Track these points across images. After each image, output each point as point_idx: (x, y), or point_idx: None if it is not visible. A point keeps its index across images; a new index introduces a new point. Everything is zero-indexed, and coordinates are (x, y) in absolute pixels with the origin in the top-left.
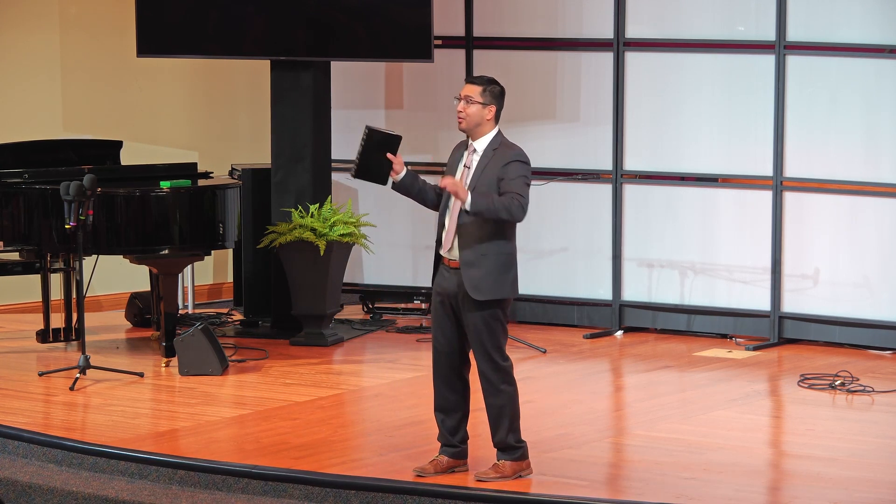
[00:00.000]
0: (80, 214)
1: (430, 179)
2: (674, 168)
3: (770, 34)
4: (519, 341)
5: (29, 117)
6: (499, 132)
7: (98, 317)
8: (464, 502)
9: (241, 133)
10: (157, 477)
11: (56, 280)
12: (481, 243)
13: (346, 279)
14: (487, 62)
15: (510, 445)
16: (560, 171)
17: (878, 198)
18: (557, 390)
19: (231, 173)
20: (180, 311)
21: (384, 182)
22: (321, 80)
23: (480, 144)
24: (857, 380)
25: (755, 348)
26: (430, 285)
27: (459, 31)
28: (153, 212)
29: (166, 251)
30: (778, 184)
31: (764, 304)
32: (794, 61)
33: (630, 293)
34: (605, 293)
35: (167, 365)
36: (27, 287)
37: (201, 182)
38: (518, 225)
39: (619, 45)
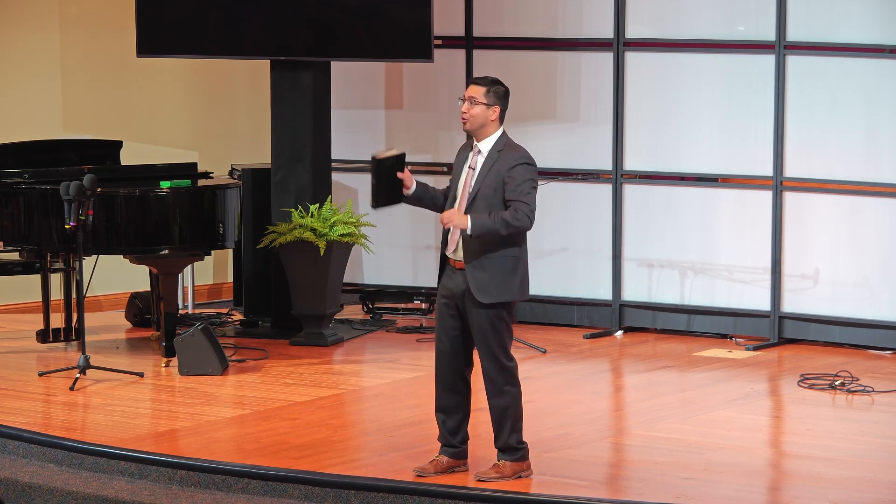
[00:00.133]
0: (80, 214)
1: (430, 179)
2: (674, 168)
3: (770, 34)
4: (519, 341)
5: (29, 117)
6: (504, 133)
7: (98, 317)
8: (464, 502)
9: (241, 133)
10: (157, 477)
11: (56, 280)
12: (486, 245)
13: (346, 279)
14: (487, 62)
15: (512, 447)
16: (560, 171)
17: (878, 198)
18: (557, 390)
19: (231, 173)
20: (180, 311)
21: (400, 201)
22: (321, 80)
23: (485, 146)
24: (857, 380)
25: (755, 348)
26: (429, 285)
27: (459, 31)
28: (153, 212)
29: (166, 251)
30: (778, 184)
31: (764, 304)
32: (794, 61)
33: (630, 293)
34: (605, 293)
35: (167, 365)
36: (27, 287)
37: (201, 182)
38: None
39: (619, 45)
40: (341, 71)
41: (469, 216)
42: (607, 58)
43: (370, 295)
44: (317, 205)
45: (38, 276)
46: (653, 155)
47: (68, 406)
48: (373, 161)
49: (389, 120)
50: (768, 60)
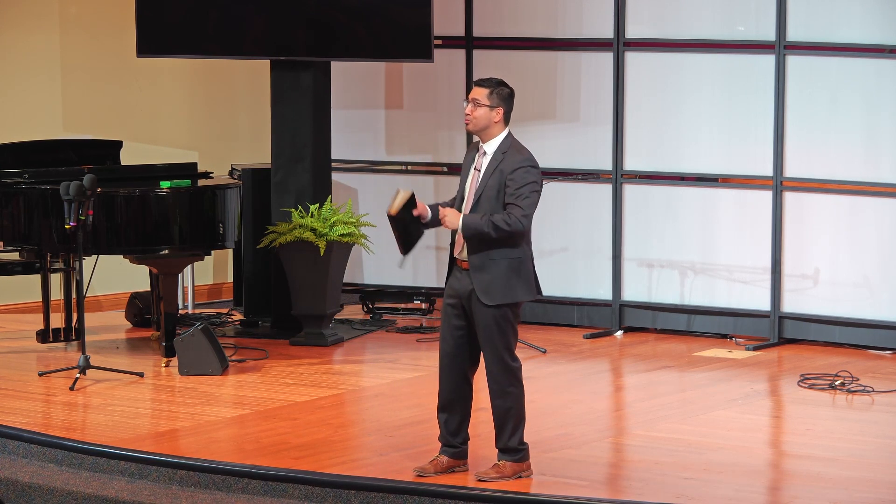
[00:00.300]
0: (80, 214)
1: (430, 179)
2: (674, 168)
3: (770, 34)
4: (519, 341)
5: (29, 117)
6: (509, 134)
7: (98, 317)
8: (464, 502)
9: (241, 133)
10: (157, 477)
11: (56, 280)
12: (489, 247)
13: (346, 279)
14: (487, 62)
15: (513, 448)
16: (560, 171)
17: (878, 198)
18: (557, 390)
19: (231, 173)
20: (180, 311)
21: (422, 234)
22: (321, 80)
23: (490, 147)
24: (857, 380)
25: (755, 348)
26: (429, 285)
27: (459, 31)
28: (153, 212)
29: (166, 251)
30: (778, 184)
31: (764, 304)
32: (794, 61)
33: (630, 293)
34: (605, 293)
35: (167, 365)
36: (27, 287)
37: (201, 182)
38: None
39: (619, 45)
40: (341, 71)
41: (461, 216)
42: (607, 58)
43: (370, 295)
44: (317, 205)
45: (38, 276)
46: (653, 155)
47: (68, 406)
48: (389, 219)
49: (389, 120)
50: (768, 60)
